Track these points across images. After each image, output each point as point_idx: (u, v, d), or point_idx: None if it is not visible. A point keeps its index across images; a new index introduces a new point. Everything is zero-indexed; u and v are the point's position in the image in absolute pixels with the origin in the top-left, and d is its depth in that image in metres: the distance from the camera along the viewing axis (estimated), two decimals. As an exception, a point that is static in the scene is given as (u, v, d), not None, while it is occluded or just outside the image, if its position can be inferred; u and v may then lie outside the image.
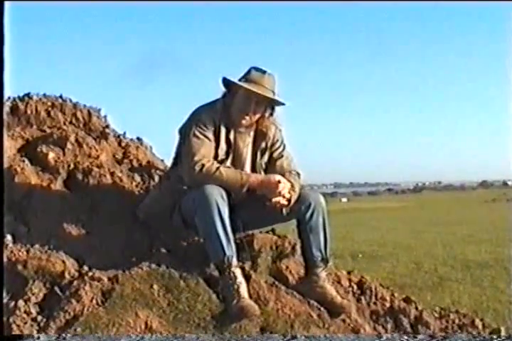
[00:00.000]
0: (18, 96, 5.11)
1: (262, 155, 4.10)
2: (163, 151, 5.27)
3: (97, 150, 4.76)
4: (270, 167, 4.08)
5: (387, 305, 4.21)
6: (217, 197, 3.70)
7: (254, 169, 4.07)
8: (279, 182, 3.82)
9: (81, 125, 5.08)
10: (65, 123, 5.02)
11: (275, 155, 4.11)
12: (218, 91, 4.04)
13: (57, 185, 4.41)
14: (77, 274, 3.73)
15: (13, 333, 3.37)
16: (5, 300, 3.53)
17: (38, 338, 3.39)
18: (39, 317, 3.50)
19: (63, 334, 3.38)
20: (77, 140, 4.72)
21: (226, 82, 4.02)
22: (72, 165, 4.55)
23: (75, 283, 3.64)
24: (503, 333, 4.12)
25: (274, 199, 3.81)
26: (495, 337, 4.00)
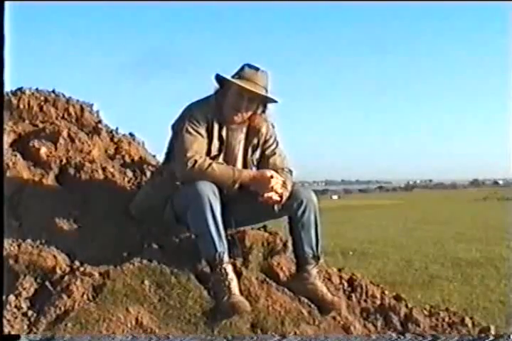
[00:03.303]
0: (11, 91, 5.10)
1: (254, 151, 4.11)
2: (156, 147, 5.28)
3: (89, 146, 4.75)
4: (263, 164, 4.09)
5: (378, 302, 4.22)
6: (210, 193, 3.71)
7: (245, 165, 4.08)
8: (271, 177, 3.84)
9: (73, 120, 5.07)
10: (57, 118, 5.01)
11: (268, 152, 4.12)
12: (212, 88, 4.05)
13: (49, 180, 4.41)
14: (68, 269, 3.72)
15: (4, 328, 3.36)
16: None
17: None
18: (30, 312, 3.49)
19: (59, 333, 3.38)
20: (69, 135, 4.71)
21: (219, 79, 4.02)
22: (64, 160, 4.55)
23: (66, 278, 3.64)
24: (492, 331, 4.14)
25: (266, 195, 3.82)
26: (484, 335, 4.01)
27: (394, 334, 3.93)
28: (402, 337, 3.87)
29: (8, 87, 5.06)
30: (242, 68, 3.98)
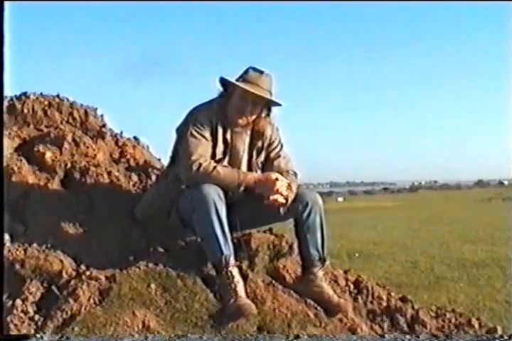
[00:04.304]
0: (15, 96, 5.11)
1: (258, 154, 4.11)
2: (160, 150, 5.28)
3: (94, 150, 4.76)
4: (267, 167, 4.09)
5: (384, 304, 4.22)
6: (215, 197, 3.70)
7: (250, 168, 4.08)
8: (276, 179, 3.83)
9: (78, 124, 5.08)
10: (61, 123, 5.02)
11: (272, 155, 4.12)
12: (216, 90, 4.05)
13: (55, 185, 4.41)
14: (74, 273, 3.73)
15: (11, 332, 3.37)
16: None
17: (42, 338, 3.39)
18: (36, 317, 3.50)
19: (66, 335, 3.38)
20: (74, 139, 4.72)
21: (223, 82, 4.02)
22: (69, 165, 4.55)
23: (73, 282, 3.64)
24: (499, 332, 4.13)
25: (271, 197, 3.81)
26: (491, 336, 4.00)
27: (408, 336, 3.93)
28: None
29: (12, 92, 5.08)
30: (246, 71, 3.98)
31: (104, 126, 5.17)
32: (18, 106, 5.00)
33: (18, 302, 3.53)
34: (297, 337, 3.63)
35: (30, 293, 3.60)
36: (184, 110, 4.05)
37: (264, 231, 4.33)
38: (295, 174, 4.12)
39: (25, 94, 5.13)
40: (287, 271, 4.12)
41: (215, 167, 3.80)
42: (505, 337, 3.86)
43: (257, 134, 4.09)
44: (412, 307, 4.25)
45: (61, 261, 3.77)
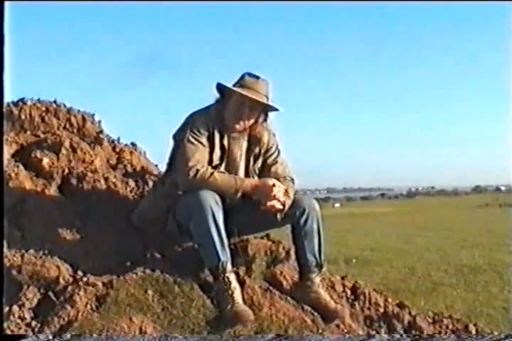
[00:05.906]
0: (12, 101, 5.11)
1: (256, 160, 4.11)
2: (157, 156, 5.28)
3: (91, 156, 4.76)
4: (265, 172, 4.09)
5: (381, 310, 4.22)
6: (212, 203, 3.71)
7: (247, 174, 4.08)
8: (273, 185, 3.83)
9: (75, 130, 5.08)
10: (59, 129, 5.02)
11: (269, 161, 4.12)
12: (213, 95, 4.05)
13: (52, 191, 4.41)
14: (71, 279, 3.72)
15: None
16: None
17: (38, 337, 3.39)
18: (33, 323, 3.49)
19: (64, 336, 3.38)
20: (71, 145, 4.72)
21: (220, 87, 4.03)
22: (66, 171, 4.55)
23: (70, 288, 3.63)
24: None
25: (268, 203, 3.81)
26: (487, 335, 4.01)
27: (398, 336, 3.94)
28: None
29: (9, 97, 5.07)
30: (242, 77, 3.98)
31: (101, 132, 5.17)
32: (15, 112, 5.00)
33: (15, 308, 3.52)
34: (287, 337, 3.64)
35: (27, 299, 3.60)
36: (182, 116, 4.06)
37: (262, 237, 4.33)
38: (292, 180, 4.12)
39: (22, 100, 5.13)
40: (284, 277, 4.12)
41: (212, 173, 3.81)
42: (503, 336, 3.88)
43: (254, 140, 4.09)
44: (409, 313, 4.25)
45: (58, 267, 3.76)
